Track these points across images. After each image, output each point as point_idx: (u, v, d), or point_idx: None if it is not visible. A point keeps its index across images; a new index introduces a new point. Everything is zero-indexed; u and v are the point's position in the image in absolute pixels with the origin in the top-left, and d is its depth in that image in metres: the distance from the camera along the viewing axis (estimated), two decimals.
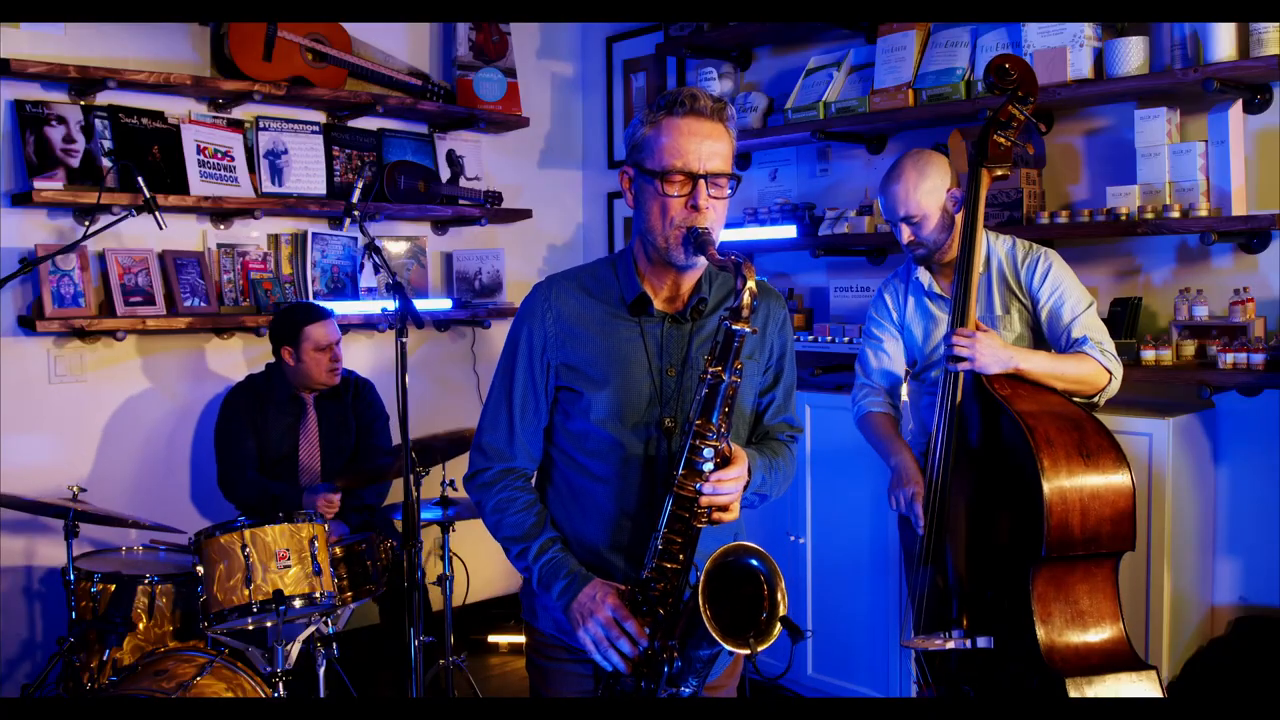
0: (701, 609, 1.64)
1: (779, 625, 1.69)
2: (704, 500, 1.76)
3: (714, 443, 1.75)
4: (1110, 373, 2.59)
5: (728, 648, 1.65)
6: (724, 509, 1.80)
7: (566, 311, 1.91)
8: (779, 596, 1.70)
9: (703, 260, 1.84)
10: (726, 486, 1.77)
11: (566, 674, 1.95)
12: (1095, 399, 2.62)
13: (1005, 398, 2.41)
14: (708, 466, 1.76)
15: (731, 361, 1.75)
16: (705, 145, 1.80)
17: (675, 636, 1.76)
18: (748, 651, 1.66)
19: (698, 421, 1.76)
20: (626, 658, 1.78)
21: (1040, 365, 2.53)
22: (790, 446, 2.04)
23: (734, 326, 1.74)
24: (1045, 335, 2.73)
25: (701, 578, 1.66)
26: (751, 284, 1.73)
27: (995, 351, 2.48)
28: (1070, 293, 2.68)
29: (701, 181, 1.80)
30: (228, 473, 3.64)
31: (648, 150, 1.82)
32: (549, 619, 1.96)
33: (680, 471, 1.76)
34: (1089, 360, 2.58)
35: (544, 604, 1.95)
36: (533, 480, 1.99)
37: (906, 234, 2.76)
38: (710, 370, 1.75)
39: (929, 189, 2.71)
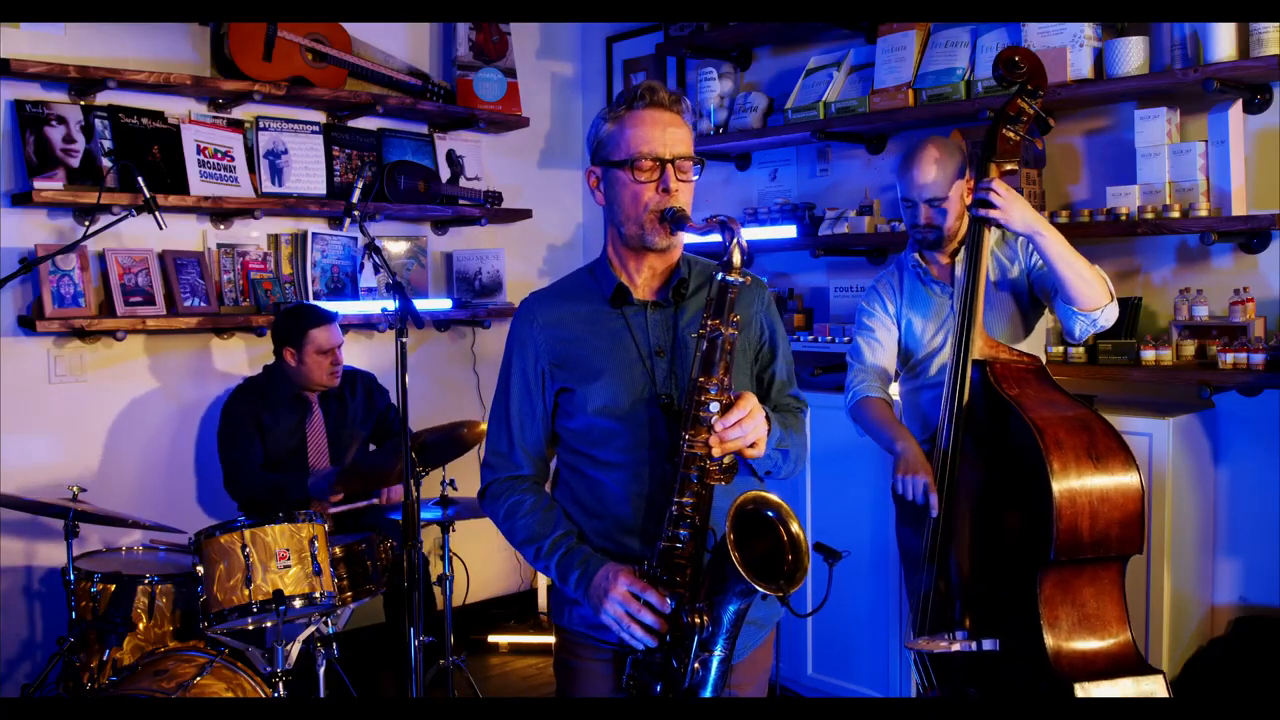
0: (731, 552, 1.64)
1: (805, 570, 1.70)
2: (716, 447, 1.75)
3: (717, 396, 1.76)
4: (1111, 295, 2.60)
5: (760, 589, 1.65)
6: (751, 446, 1.78)
7: (551, 317, 1.96)
8: (797, 531, 1.71)
9: (680, 239, 1.90)
10: (734, 431, 1.75)
11: (592, 674, 1.95)
12: (1095, 314, 2.59)
13: (1014, 398, 2.39)
14: (714, 420, 1.76)
15: (727, 314, 1.78)
16: (669, 132, 1.86)
17: (702, 598, 1.76)
18: (780, 593, 1.67)
19: (700, 378, 1.77)
20: (653, 631, 1.77)
21: (1059, 243, 2.54)
22: (799, 415, 2.05)
23: (728, 278, 1.77)
24: (1038, 294, 2.76)
25: (728, 524, 1.67)
26: (741, 238, 1.77)
27: (1024, 212, 2.53)
28: None
29: (670, 165, 1.85)
30: (235, 475, 3.63)
31: (613, 144, 1.88)
32: (575, 615, 1.96)
33: (687, 431, 1.77)
34: (1098, 273, 2.60)
35: (570, 599, 1.94)
36: (543, 486, 2.01)
37: (925, 214, 2.76)
38: (709, 324, 1.78)
39: (954, 175, 2.72)
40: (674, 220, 1.84)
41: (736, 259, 1.77)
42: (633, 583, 1.79)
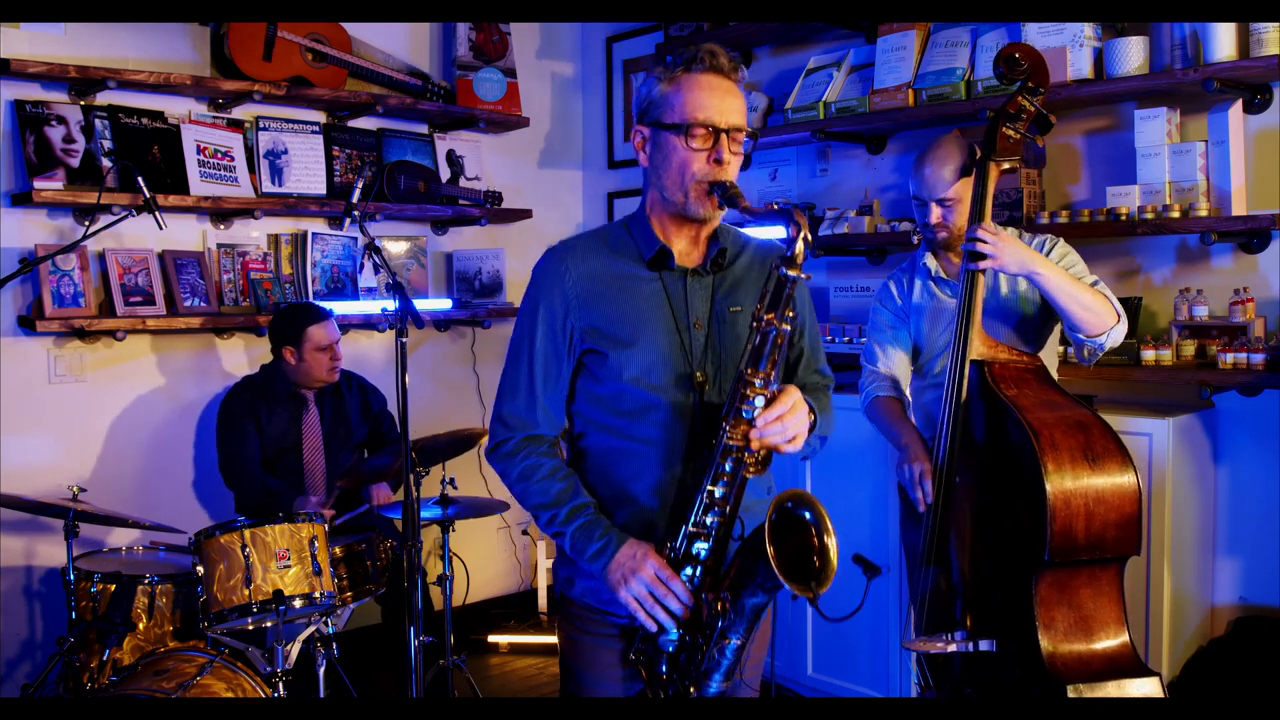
0: (768, 551, 1.63)
1: (832, 574, 1.69)
2: (755, 442, 1.74)
3: (762, 390, 1.74)
4: (1120, 316, 2.57)
5: (792, 589, 1.64)
6: (789, 441, 1.76)
7: (584, 272, 1.88)
8: (829, 543, 1.70)
9: (723, 211, 1.85)
10: (774, 427, 1.74)
11: (599, 647, 1.93)
12: (1101, 339, 2.57)
13: (1011, 398, 2.39)
14: (756, 414, 1.74)
15: (783, 309, 1.74)
16: (726, 100, 1.80)
17: (726, 588, 1.75)
18: (810, 594, 1.66)
19: (748, 370, 1.74)
20: (674, 615, 1.77)
21: (1057, 277, 2.52)
22: (827, 391, 2.03)
23: (789, 273, 1.73)
24: (1047, 306, 2.73)
25: (767, 522, 1.65)
26: (806, 232, 1.72)
27: (1017, 252, 2.50)
28: (1077, 265, 2.71)
29: (724, 136, 1.79)
30: (229, 467, 3.65)
31: (666, 106, 1.81)
32: (584, 588, 1.93)
33: (727, 422, 1.75)
34: (1102, 297, 2.57)
35: (579, 572, 1.92)
36: (558, 446, 1.96)
37: (936, 215, 2.76)
38: (764, 318, 1.74)
39: (961, 174, 2.72)
40: (725, 197, 1.78)
41: (800, 252, 1.72)
42: (660, 567, 1.78)
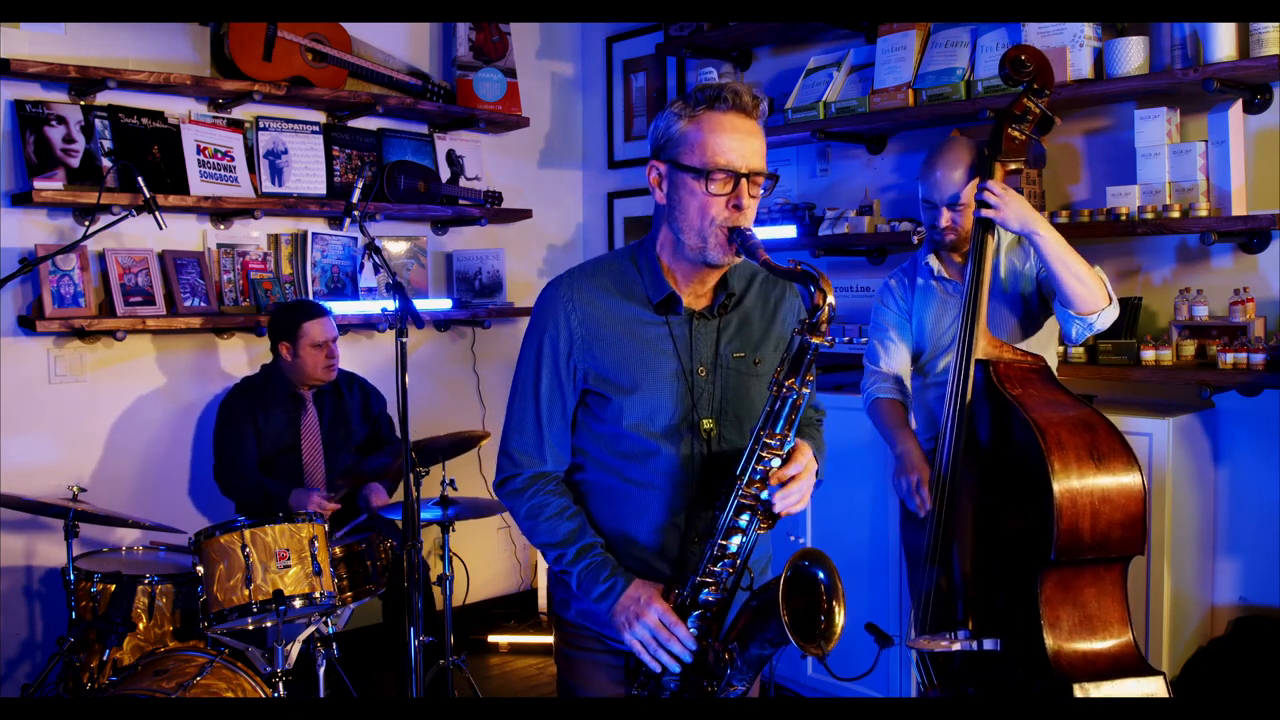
0: (781, 611, 1.64)
1: (838, 634, 1.70)
2: (778, 508, 1.74)
3: (778, 451, 1.74)
4: (1111, 298, 2.59)
5: (805, 650, 1.65)
6: (798, 502, 1.78)
7: (590, 312, 1.86)
8: (837, 605, 1.71)
9: (739, 260, 1.83)
10: (794, 487, 1.75)
11: (596, 664, 1.93)
12: (1091, 319, 2.58)
13: (1016, 398, 2.39)
14: (772, 477, 1.75)
15: (804, 375, 1.72)
16: (748, 143, 1.76)
17: (735, 638, 1.76)
18: (819, 653, 1.67)
19: (765, 432, 1.74)
20: (677, 659, 1.78)
21: (1055, 242, 2.55)
22: (820, 426, 2.05)
23: (811, 340, 1.71)
24: (1044, 296, 2.75)
25: (782, 580, 1.66)
26: (831, 299, 1.70)
27: (1020, 211, 2.55)
28: None
29: (744, 180, 1.76)
30: (226, 470, 3.66)
31: (686, 145, 1.77)
32: (578, 610, 1.93)
33: (742, 482, 1.75)
34: (1097, 275, 2.60)
35: (575, 595, 1.92)
36: (563, 482, 1.95)
37: (946, 218, 2.77)
38: (785, 383, 1.73)
39: (970, 176, 2.74)
40: (745, 247, 1.75)
41: (825, 317, 1.70)
42: (665, 612, 1.78)
